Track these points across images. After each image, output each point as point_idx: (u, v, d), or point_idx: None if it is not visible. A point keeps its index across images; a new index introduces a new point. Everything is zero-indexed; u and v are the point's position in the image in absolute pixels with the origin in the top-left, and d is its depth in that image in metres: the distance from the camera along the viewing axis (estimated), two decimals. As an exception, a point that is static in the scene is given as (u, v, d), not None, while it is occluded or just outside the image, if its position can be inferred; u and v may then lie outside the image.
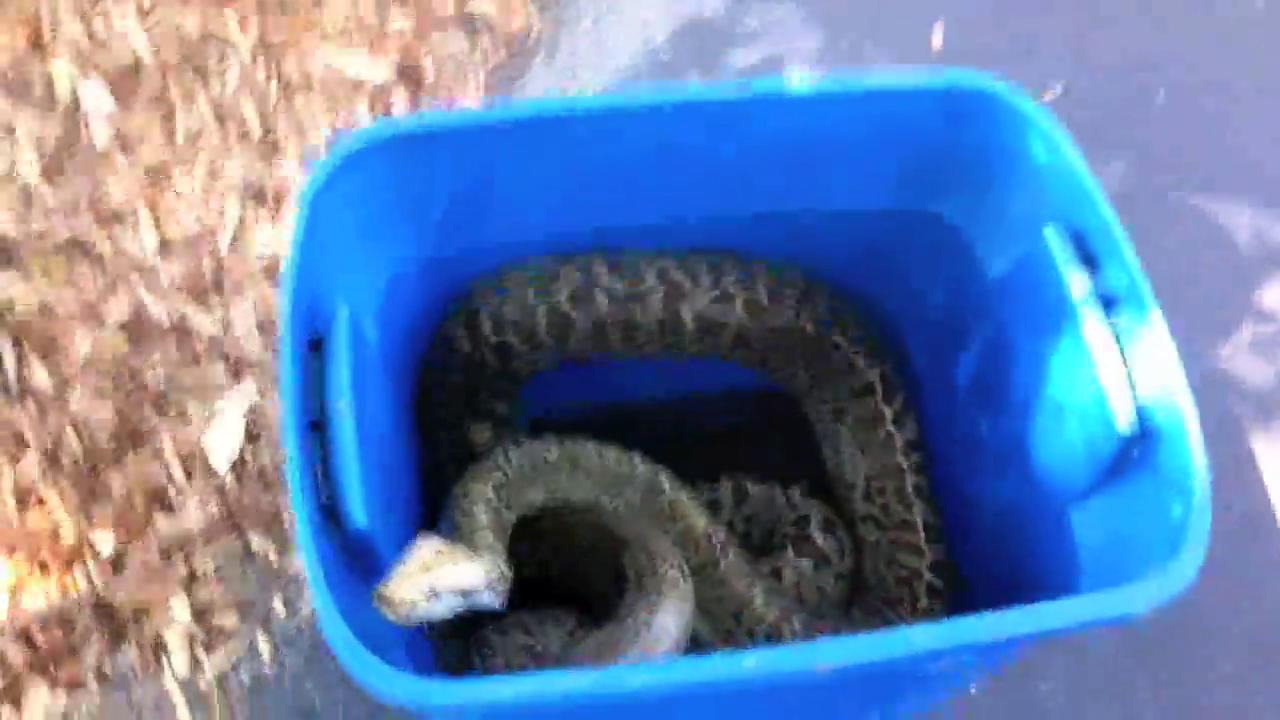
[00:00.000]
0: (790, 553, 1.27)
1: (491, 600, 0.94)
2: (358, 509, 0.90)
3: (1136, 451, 0.99)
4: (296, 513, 0.86)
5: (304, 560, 0.82)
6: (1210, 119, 1.75)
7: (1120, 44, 1.81)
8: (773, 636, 1.16)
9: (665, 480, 1.17)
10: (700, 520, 1.17)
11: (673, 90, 1.10)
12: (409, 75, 1.72)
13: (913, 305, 1.32)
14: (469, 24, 1.78)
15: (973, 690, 1.32)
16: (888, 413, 1.30)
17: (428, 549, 0.91)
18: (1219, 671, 1.36)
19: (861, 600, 1.31)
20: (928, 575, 1.27)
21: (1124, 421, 0.98)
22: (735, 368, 1.36)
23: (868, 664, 0.85)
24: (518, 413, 1.28)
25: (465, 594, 0.91)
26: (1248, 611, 1.40)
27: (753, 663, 0.83)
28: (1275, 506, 1.46)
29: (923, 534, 1.29)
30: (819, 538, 1.29)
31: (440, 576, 0.89)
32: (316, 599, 0.80)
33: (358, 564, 0.92)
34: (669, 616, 1.05)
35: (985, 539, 1.25)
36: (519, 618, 1.16)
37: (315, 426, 0.92)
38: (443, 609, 0.89)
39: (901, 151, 1.19)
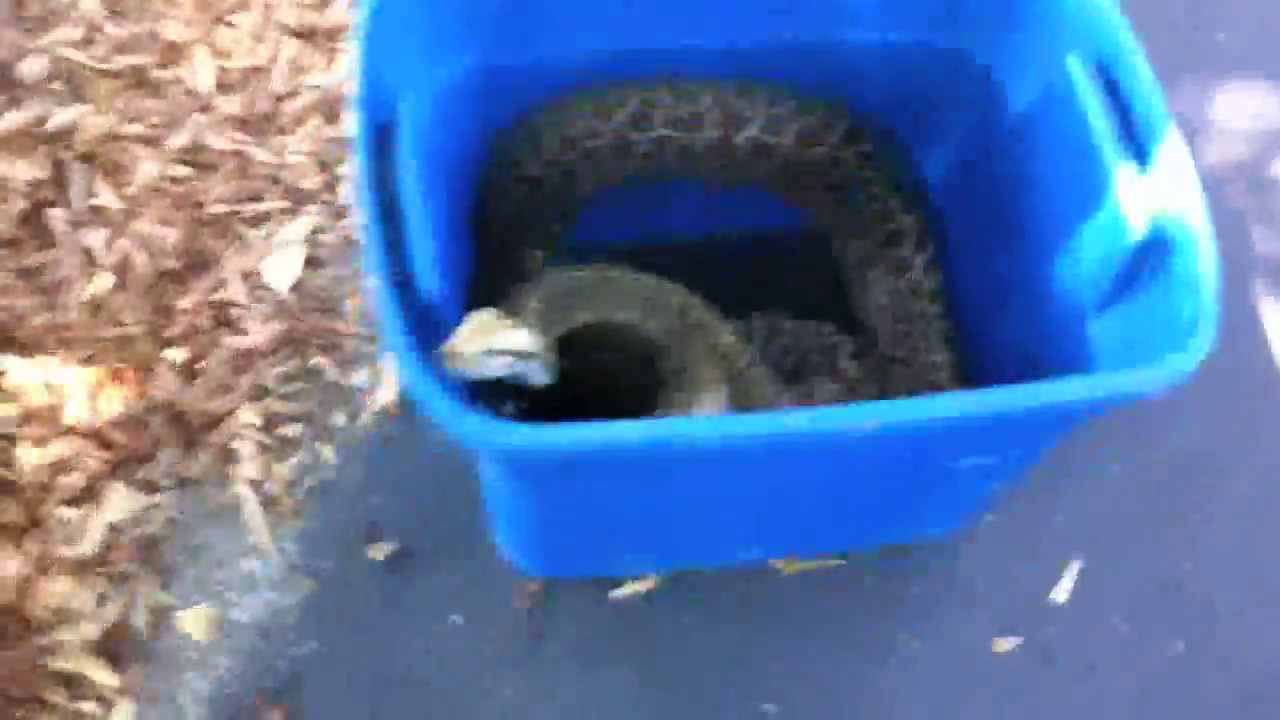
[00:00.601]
0: (824, 378, 1.36)
1: (539, 371, 1.03)
2: (429, 276, 0.98)
3: (1150, 262, 1.08)
4: (377, 277, 0.92)
5: (385, 324, 0.89)
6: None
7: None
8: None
9: (695, 303, 1.24)
10: (727, 336, 1.24)
11: None
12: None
13: (939, 142, 1.39)
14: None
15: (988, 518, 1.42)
16: (918, 260, 1.38)
17: (487, 315, 1.00)
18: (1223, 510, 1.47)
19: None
20: (939, 358, 1.37)
21: (1139, 231, 1.06)
22: (774, 207, 1.44)
23: (908, 423, 0.92)
24: (570, 236, 1.35)
25: (520, 355, 1.00)
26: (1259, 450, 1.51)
27: (801, 421, 0.90)
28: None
29: (946, 373, 1.38)
30: (849, 367, 1.38)
31: (498, 338, 0.98)
32: (400, 354, 0.87)
33: (427, 339, 1.00)
34: (705, 410, 1.15)
35: (1008, 373, 1.34)
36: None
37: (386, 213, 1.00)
38: (499, 366, 0.98)
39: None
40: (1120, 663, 1.35)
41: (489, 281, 1.29)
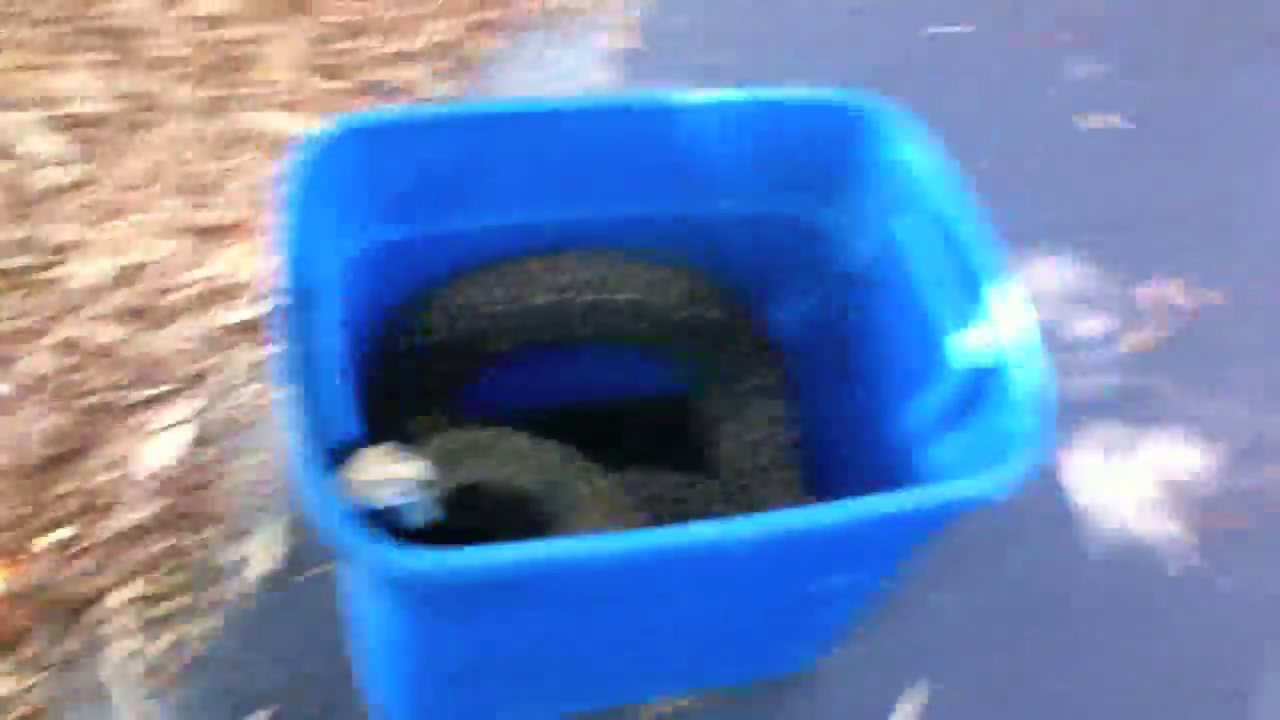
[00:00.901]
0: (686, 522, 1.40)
1: (423, 504, 1.07)
2: (344, 421, 1.02)
3: (985, 388, 1.14)
4: (291, 411, 0.95)
5: (300, 473, 0.92)
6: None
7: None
8: None
9: (570, 455, 1.28)
10: (601, 482, 1.28)
11: (597, 97, 1.26)
12: (340, 129, 1.86)
13: (790, 300, 1.48)
14: (394, 88, 1.94)
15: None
16: (783, 414, 1.45)
17: (379, 449, 1.04)
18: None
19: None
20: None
21: (973, 360, 1.14)
22: (637, 374, 1.51)
23: (769, 535, 0.97)
24: (460, 403, 1.41)
25: (420, 484, 1.05)
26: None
27: (680, 537, 0.95)
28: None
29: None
30: (708, 512, 1.42)
31: (393, 467, 1.03)
32: (308, 485, 0.90)
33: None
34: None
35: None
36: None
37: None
38: (393, 495, 1.02)
39: (770, 160, 1.35)
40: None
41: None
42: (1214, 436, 1.74)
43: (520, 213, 1.35)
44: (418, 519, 1.08)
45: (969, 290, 1.17)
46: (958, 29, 2.33)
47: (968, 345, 1.15)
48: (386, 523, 1.04)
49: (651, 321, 1.39)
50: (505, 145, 1.27)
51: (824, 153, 1.34)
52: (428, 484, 1.07)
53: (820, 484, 1.43)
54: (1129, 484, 1.68)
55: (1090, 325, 1.86)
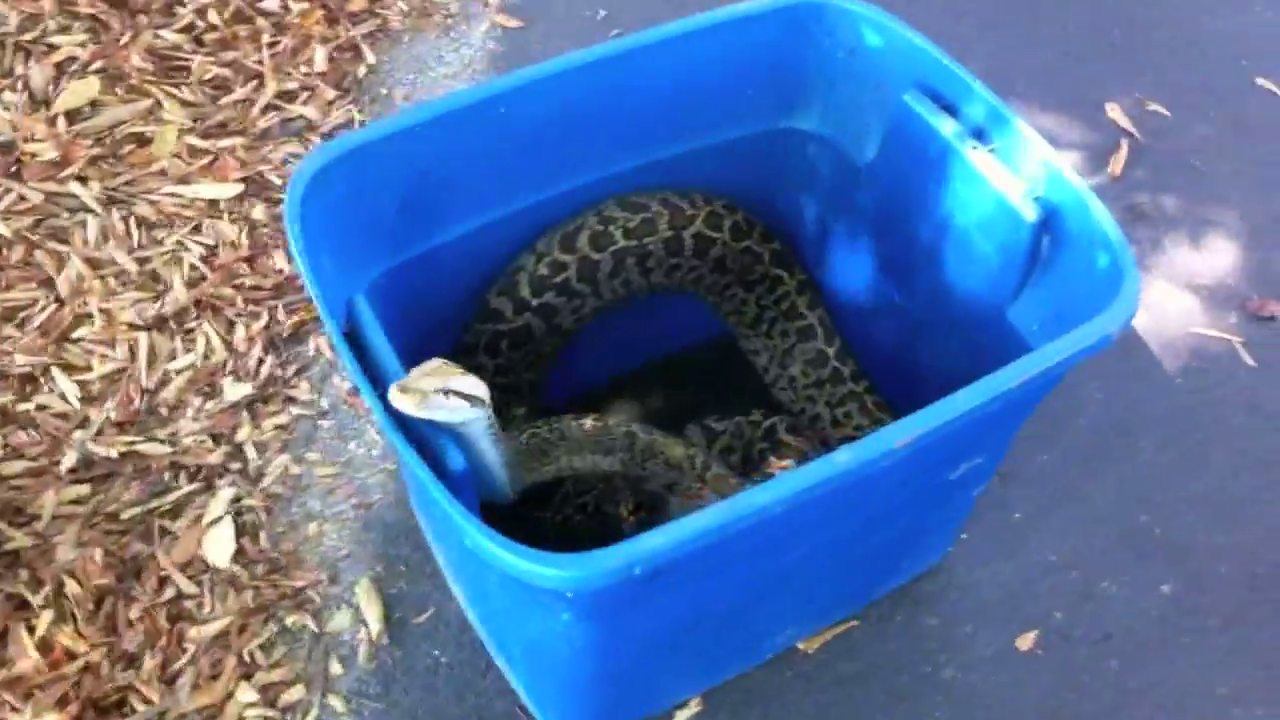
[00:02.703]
0: (773, 459, 1.45)
1: (482, 420, 1.09)
2: (456, 456, 1.04)
3: (1047, 237, 1.22)
4: (412, 462, 0.97)
5: (430, 490, 0.93)
6: None
7: None
8: None
9: (638, 429, 1.32)
10: (677, 449, 1.32)
11: (565, 59, 1.28)
12: (256, 184, 1.82)
13: (799, 217, 1.54)
14: (293, 129, 1.90)
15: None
16: (831, 350, 1.50)
17: (441, 361, 1.07)
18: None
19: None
20: (858, 386, 1.50)
21: (1029, 213, 1.21)
22: (676, 330, 1.55)
23: (937, 428, 1.02)
24: (545, 380, 1.45)
25: (469, 400, 1.05)
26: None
27: (845, 456, 0.99)
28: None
29: (869, 402, 1.49)
30: (790, 439, 1.47)
31: (452, 380, 1.05)
32: (463, 516, 0.92)
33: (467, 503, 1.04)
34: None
35: (947, 385, 1.44)
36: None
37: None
38: (448, 409, 1.03)
39: (753, 77, 1.40)
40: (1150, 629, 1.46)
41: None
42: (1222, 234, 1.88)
43: (526, 195, 1.38)
44: (480, 438, 1.10)
45: (995, 150, 1.24)
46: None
47: (1010, 201, 1.21)
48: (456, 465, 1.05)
49: (713, 261, 1.42)
50: (490, 131, 1.29)
51: (799, 57, 1.40)
52: (484, 402, 1.08)
53: (896, 387, 1.49)
54: (1170, 297, 1.80)
55: (1076, 156, 1.96)
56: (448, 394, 1.03)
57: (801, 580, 1.27)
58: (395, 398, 1.00)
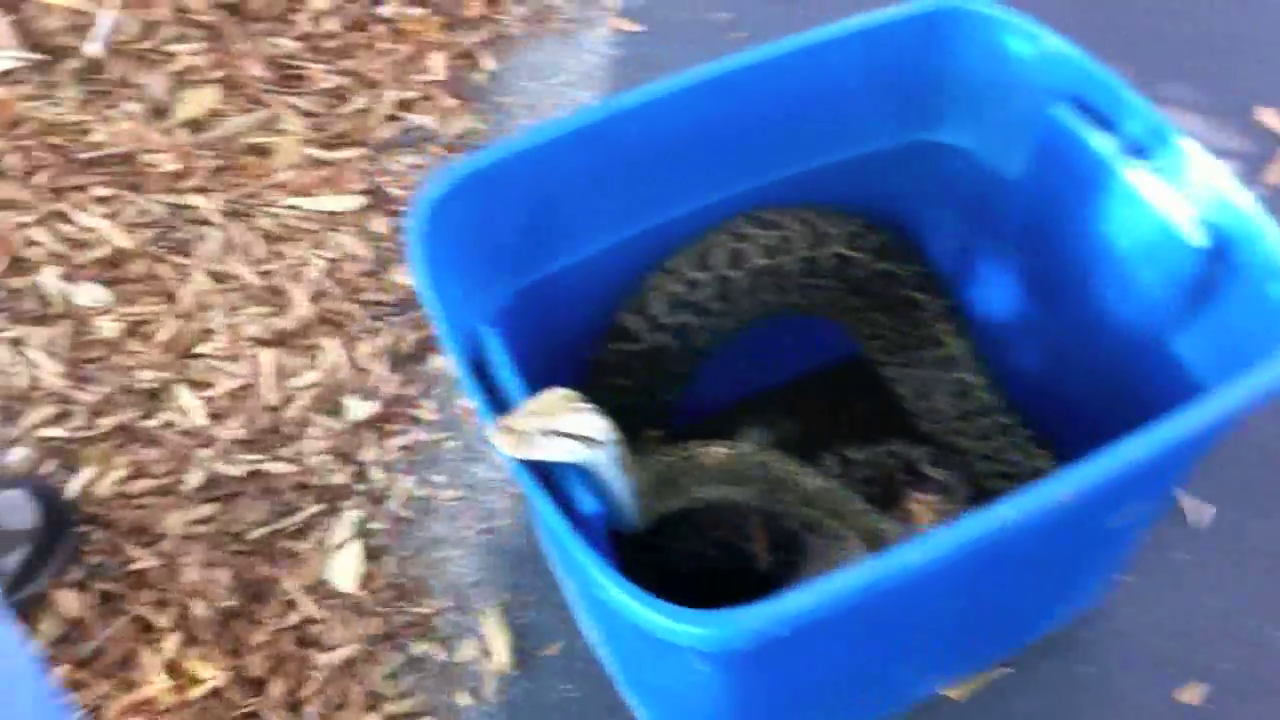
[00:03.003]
0: (915, 494, 1.39)
1: (609, 462, 1.03)
2: (588, 498, 1.00)
3: (1216, 264, 1.15)
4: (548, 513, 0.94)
5: (563, 541, 0.90)
6: None
7: None
8: None
9: (772, 459, 1.26)
10: (814, 482, 1.27)
11: (697, 72, 1.24)
12: (377, 196, 1.80)
13: (936, 235, 1.47)
14: (412, 139, 1.87)
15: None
16: (976, 383, 1.43)
17: (556, 394, 1.00)
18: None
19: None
20: (1043, 464, 1.40)
21: (1196, 238, 1.13)
22: (821, 350, 1.50)
23: (1110, 478, 0.96)
24: (679, 401, 1.40)
25: (582, 440, 0.98)
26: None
27: (1009, 510, 0.93)
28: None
29: (1021, 437, 1.42)
30: (933, 472, 1.41)
31: (564, 419, 0.97)
32: (596, 568, 0.89)
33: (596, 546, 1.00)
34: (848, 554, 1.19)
35: (1098, 419, 1.38)
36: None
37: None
38: (560, 451, 0.97)
39: (894, 88, 1.34)
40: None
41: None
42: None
43: (652, 215, 1.33)
44: (605, 473, 1.03)
45: (1156, 167, 1.17)
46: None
47: (1182, 224, 1.14)
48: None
49: (853, 283, 1.37)
50: (617, 149, 1.24)
51: (940, 66, 1.33)
52: (602, 443, 1.01)
53: (1039, 420, 1.42)
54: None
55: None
56: (555, 435, 0.97)
57: (950, 628, 1.21)
58: (496, 438, 0.95)
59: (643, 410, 1.34)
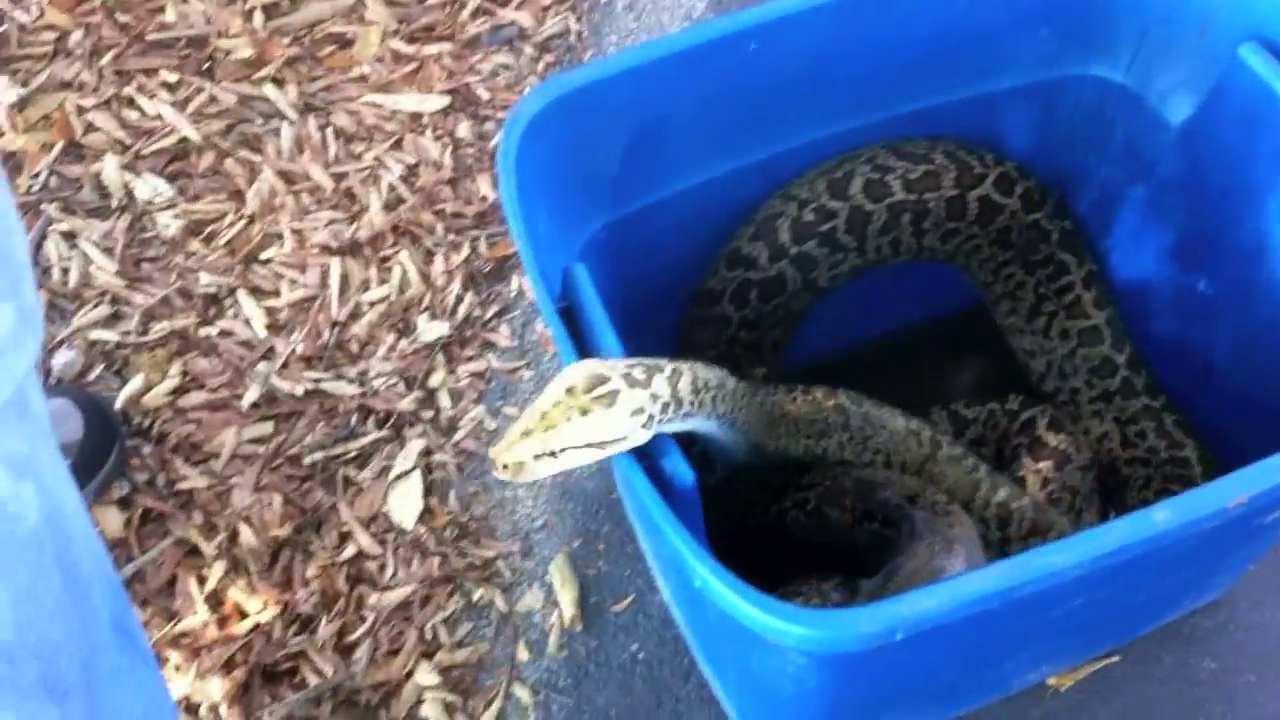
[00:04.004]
0: (1027, 460, 1.26)
1: (731, 433, 0.95)
2: (684, 469, 0.90)
3: None
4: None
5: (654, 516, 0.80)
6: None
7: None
8: (1005, 518, 1.14)
9: (847, 400, 1.15)
10: (898, 421, 1.16)
11: None
12: (462, 97, 1.67)
13: (1083, 180, 1.33)
14: (503, 37, 1.74)
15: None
16: (1120, 360, 1.29)
17: (557, 393, 0.86)
18: None
19: (1120, 496, 1.30)
20: (1187, 452, 1.27)
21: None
22: (934, 299, 1.37)
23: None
24: (789, 341, 1.30)
25: (598, 447, 0.86)
26: None
27: (1165, 515, 0.82)
28: None
29: (1168, 422, 1.28)
30: (1051, 438, 1.27)
31: (559, 433, 0.84)
32: (688, 550, 0.79)
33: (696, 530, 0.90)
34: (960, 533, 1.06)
35: (1239, 391, 1.25)
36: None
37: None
38: (572, 464, 0.86)
39: (1051, 15, 1.20)
40: None
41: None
42: None
43: (762, 147, 1.23)
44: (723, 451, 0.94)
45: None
46: None
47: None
48: None
49: (996, 232, 1.24)
50: (730, 72, 1.12)
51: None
52: (618, 440, 0.86)
53: (1180, 384, 1.29)
54: None
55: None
56: (556, 455, 0.85)
57: (1069, 626, 1.09)
58: (497, 471, 0.85)
59: (753, 346, 1.23)
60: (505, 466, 0.84)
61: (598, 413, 0.85)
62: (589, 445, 0.85)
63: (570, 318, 0.96)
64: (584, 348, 0.93)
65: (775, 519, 1.24)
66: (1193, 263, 1.26)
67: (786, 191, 1.22)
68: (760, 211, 1.23)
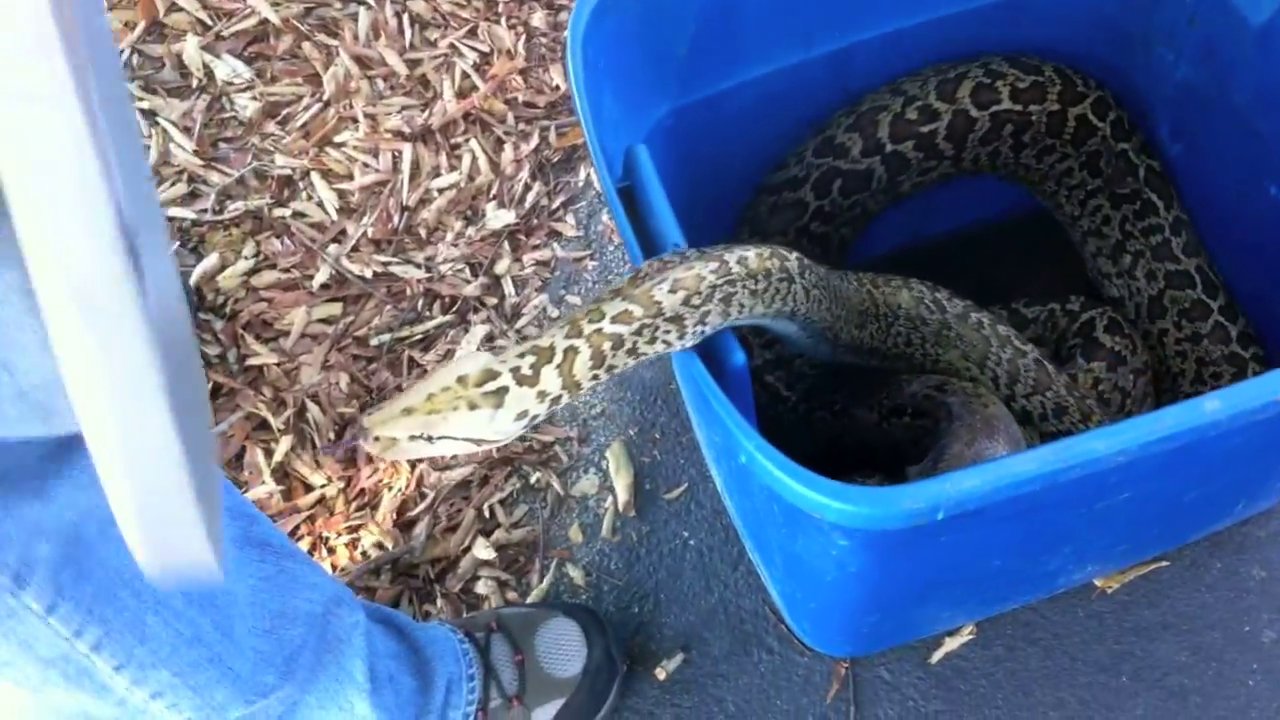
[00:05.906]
0: (1081, 359, 1.26)
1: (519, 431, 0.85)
2: (736, 351, 0.91)
3: None
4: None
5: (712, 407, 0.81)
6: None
7: None
8: (1015, 375, 1.14)
9: (851, 277, 1.12)
10: (903, 294, 1.14)
11: None
12: (540, -12, 1.69)
13: (1161, 82, 1.31)
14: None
15: None
16: (1215, 306, 1.28)
17: (445, 376, 0.81)
18: None
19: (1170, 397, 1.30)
20: (1245, 352, 1.26)
21: None
22: (994, 200, 1.36)
23: None
24: (856, 241, 1.31)
25: (479, 443, 0.82)
26: None
27: (1215, 405, 0.82)
28: None
29: (1232, 330, 1.28)
30: (1106, 339, 1.27)
31: (443, 419, 0.79)
32: (739, 436, 0.80)
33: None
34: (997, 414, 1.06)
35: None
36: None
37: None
38: (445, 452, 0.82)
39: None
40: None
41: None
42: None
43: (831, 38, 1.22)
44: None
45: None
46: None
47: None
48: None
49: (1089, 155, 1.24)
50: None
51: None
52: (495, 441, 0.82)
53: (1248, 295, 1.28)
54: None
55: None
56: (432, 441, 0.80)
57: (1116, 524, 1.10)
58: (367, 444, 0.79)
59: (822, 240, 1.25)
60: (377, 439, 0.79)
61: (484, 411, 0.80)
62: (468, 440, 0.81)
63: (630, 199, 0.98)
64: (642, 229, 0.95)
65: (804, 418, 1.26)
66: (1273, 173, 1.24)
67: (897, 85, 1.22)
68: (864, 101, 1.23)
